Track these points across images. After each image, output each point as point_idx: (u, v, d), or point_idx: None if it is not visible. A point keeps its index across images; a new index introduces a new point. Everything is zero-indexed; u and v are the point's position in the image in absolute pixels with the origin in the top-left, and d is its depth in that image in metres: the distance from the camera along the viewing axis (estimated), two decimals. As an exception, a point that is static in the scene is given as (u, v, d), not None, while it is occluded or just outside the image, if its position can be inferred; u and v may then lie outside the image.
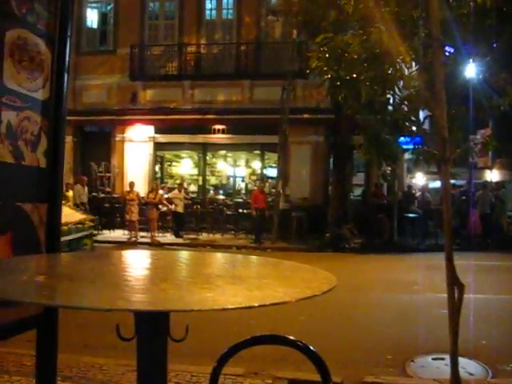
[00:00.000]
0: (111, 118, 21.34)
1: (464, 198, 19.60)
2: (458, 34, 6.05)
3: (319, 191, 20.26)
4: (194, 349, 4.90)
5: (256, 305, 1.56)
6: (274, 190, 19.23)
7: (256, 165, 22.47)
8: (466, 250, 14.99)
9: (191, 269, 2.47)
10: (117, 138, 21.87)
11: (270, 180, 21.29)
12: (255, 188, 19.56)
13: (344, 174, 18.08)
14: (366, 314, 8.29)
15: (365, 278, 11.82)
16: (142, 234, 18.20)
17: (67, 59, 3.47)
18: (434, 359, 5.72)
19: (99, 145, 22.16)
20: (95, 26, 23.19)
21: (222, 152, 22.86)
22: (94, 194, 20.27)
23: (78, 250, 10.57)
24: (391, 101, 7.22)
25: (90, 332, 6.33)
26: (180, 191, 18.81)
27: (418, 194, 21.22)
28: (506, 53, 6.35)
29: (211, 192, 21.87)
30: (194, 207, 20.11)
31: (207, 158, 22.35)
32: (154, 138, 21.67)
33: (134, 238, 17.76)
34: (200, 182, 22.32)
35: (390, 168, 15.34)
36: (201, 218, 19.97)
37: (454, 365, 4.15)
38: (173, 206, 18.55)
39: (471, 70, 7.14)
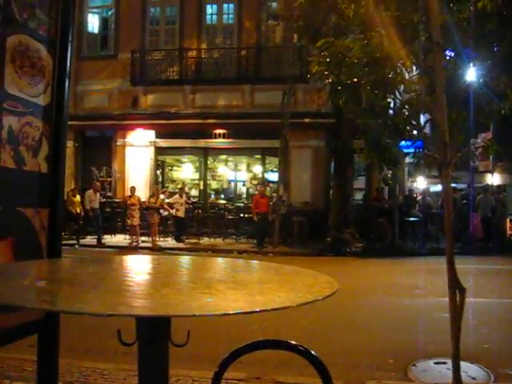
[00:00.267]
0: (112, 123, 21.38)
1: (465, 201, 19.58)
2: (459, 38, 6.06)
3: (320, 195, 20.26)
4: (196, 353, 4.90)
5: (257, 310, 1.56)
6: (274, 195, 19.22)
7: (257, 169, 22.49)
8: (467, 254, 14.99)
9: (192, 274, 2.47)
10: (118, 143, 21.89)
11: (271, 184, 21.27)
12: (256, 192, 19.56)
13: (345, 178, 18.07)
14: (368, 318, 8.27)
15: (366, 282, 11.81)
16: (143, 238, 18.18)
17: (68, 64, 3.48)
18: (435, 363, 5.70)
19: (100, 150, 22.19)
20: (96, 31, 23.25)
21: (223, 156, 22.89)
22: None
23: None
24: (392, 105, 7.22)
25: (91, 336, 6.32)
26: (181, 196, 18.81)
27: (419, 197, 21.22)
28: (506, 57, 6.35)
29: (212, 196, 21.89)
30: (195, 212, 20.12)
31: (208, 162, 22.36)
32: (155, 142, 21.70)
33: (135, 243, 17.75)
34: (201, 187, 22.33)
35: (390, 172, 15.34)
36: (202, 222, 19.97)
37: (456, 369, 4.14)
38: (174, 211, 18.56)
39: (472, 74, 7.14)
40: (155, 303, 1.77)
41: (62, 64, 3.45)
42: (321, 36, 15.16)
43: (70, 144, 19.24)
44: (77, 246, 17.15)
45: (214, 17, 22.18)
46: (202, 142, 21.41)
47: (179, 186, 20.78)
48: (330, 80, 7.12)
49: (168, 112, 20.95)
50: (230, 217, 19.79)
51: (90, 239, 18.52)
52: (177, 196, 18.92)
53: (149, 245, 17.71)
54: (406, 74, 6.94)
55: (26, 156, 3.13)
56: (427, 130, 8.76)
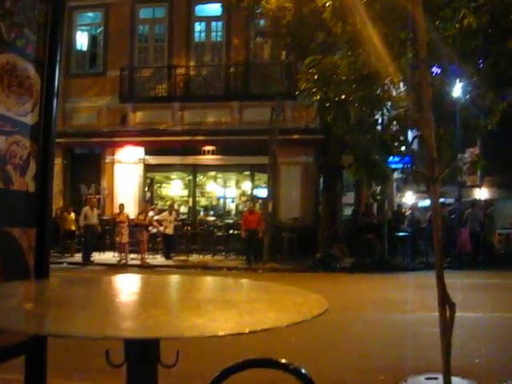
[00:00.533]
0: (101, 140, 21.36)
1: (453, 216, 19.68)
2: (445, 55, 6.13)
3: (309, 211, 20.26)
4: (185, 372, 4.84)
5: (247, 331, 1.55)
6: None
7: (246, 186, 22.49)
8: (456, 268, 15.04)
9: (181, 293, 2.45)
10: (107, 160, 21.84)
11: (260, 201, 21.27)
12: (245, 209, 19.55)
13: (334, 193, 18.11)
14: (358, 334, 8.25)
15: (356, 298, 11.79)
16: (132, 256, 18.07)
17: (56, 83, 3.47)
18: (426, 379, 5.69)
19: (89, 167, 22.14)
20: (85, 48, 23.29)
21: (212, 173, 22.88)
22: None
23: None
24: (380, 121, 7.27)
25: (80, 355, 6.24)
26: (170, 213, 18.77)
27: (408, 212, 21.29)
28: (491, 73, 6.42)
29: (201, 213, 21.84)
30: (185, 228, 20.05)
31: (197, 179, 22.36)
32: (144, 159, 21.67)
33: (124, 260, 17.64)
34: (190, 204, 22.29)
35: (379, 188, 15.42)
36: (191, 239, 19.90)
37: (447, 384, 4.14)
38: (163, 228, 18.50)
39: (459, 90, 7.22)
40: (144, 325, 1.75)
41: (50, 83, 3.44)
42: (309, 53, 15.32)
43: (58, 161, 19.16)
44: (65, 264, 17.02)
45: (203, 34, 22.31)
46: (190, 159, 21.42)
47: (168, 203, 20.75)
48: (318, 97, 7.16)
49: (157, 129, 20.97)
50: (219, 233, 19.75)
51: (80, 256, 18.43)
52: (166, 213, 18.87)
53: (138, 262, 17.61)
54: (394, 91, 7.00)
55: (13, 175, 3.11)
56: (415, 145, 8.82)
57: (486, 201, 21.97)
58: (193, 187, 22.27)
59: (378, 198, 17.81)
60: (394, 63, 5.85)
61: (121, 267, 17.12)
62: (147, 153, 21.57)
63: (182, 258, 18.76)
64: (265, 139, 18.15)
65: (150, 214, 18.83)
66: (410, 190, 23.51)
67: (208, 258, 18.84)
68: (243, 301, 2.18)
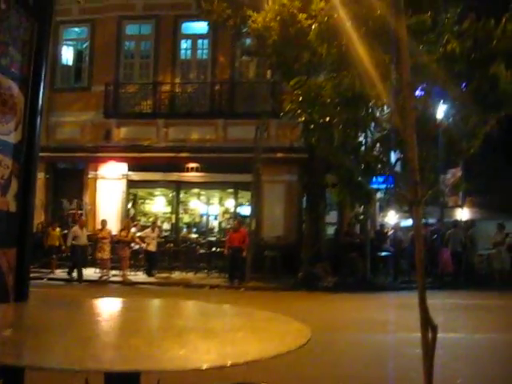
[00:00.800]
0: (84, 155, 21.24)
1: (435, 236, 19.80)
2: (429, 78, 6.19)
3: (293, 230, 20.26)
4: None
5: (229, 364, 1.53)
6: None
7: (229, 203, 22.45)
8: (437, 289, 15.10)
9: (163, 320, 2.42)
10: (90, 175, 21.69)
11: (243, 218, 21.22)
12: (229, 227, 19.53)
13: (317, 212, 18.14)
14: (340, 355, 8.22)
15: (338, 318, 11.76)
16: (113, 272, 17.92)
17: (40, 102, 3.46)
18: (408, 402, 5.67)
19: (72, 182, 21.97)
20: (70, 63, 23.21)
21: (196, 190, 22.81)
22: (65, 231, 19.96)
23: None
24: (364, 142, 7.31)
25: (59, 380, 6.13)
26: (153, 230, 18.66)
27: (391, 232, 21.38)
28: (475, 97, 6.50)
29: (184, 230, 21.73)
30: (167, 245, 19.94)
31: (180, 196, 22.27)
32: (127, 175, 21.57)
33: (105, 277, 17.48)
34: (173, 220, 22.18)
35: (362, 207, 15.46)
36: (174, 256, 19.78)
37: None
38: (145, 245, 18.38)
39: (442, 112, 7.28)
40: (124, 356, 1.71)
41: (34, 101, 3.42)
42: (294, 72, 15.45)
43: (40, 176, 19.01)
44: (45, 280, 16.81)
45: (189, 51, 22.39)
46: (174, 176, 21.36)
47: (151, 220, 20.62)
48: (303, 119, 7.19)
49: (141, 145, 20.89)
50: (201, 251, 19.67)
51: (61, 272, 18.23)
52: (149, 230, 18.76)
53: (119, 279, 17.46)
54: (378, 112, 7.05)
55: (-6, 195, 3.07)
56: (398, 167, 8.86)
57: (467, 221, 22.14)
58: (176, 204, 22.18)
59: (361, 218, 17.86)
60: (379, 86, 5.89)
61: (102, 284, 16.96)
62: (130, 169, 21.48)
63: (164, 275, 18.63)
64: (249, 157, 18.17)
65: (133, 230, 18.72)
66: (392, 210, 23.61)
67: (190, 275, 18.73)
68: (226, 329, 2.16)
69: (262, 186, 19.49)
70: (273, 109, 18.23)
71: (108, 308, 2.79)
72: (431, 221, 21.88)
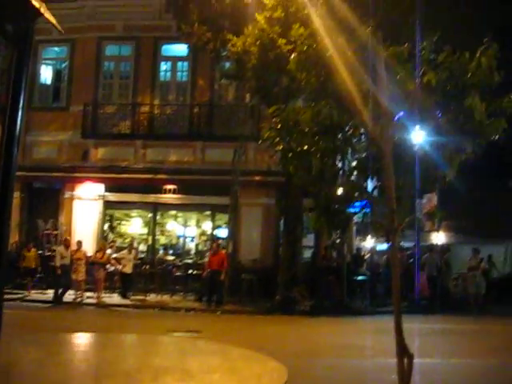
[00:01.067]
0: (61, 175, 21.07)
1: (411, 260, 19.91)
2: (407, 107, 6.29)
3: (269, 253, 20.24)
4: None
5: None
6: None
7: (206, 225, 22.37)
8: (413, 313, 15.14)
9: (139, 359, 2.39)
10: (66, 196, 21.48)
11: (220, 241, 21.14)
12: (206, 248, 19.46)
13: (294, 235, 18.14)
14: (317, 381, 8.15)
15: (315, 343, 11.71)
16: (88, 294, 17.67)
17: (18, 130, 3.44)
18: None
19: (47, 201, 21.75)
20: (49, 82, 23.09)
21: (173, 212, 22.68)
22: (39, 252, 19.69)
23: None
24: (341, 170, 7.37)
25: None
26: (130, 251, 18.53)
27: (367, 256, 21.47)
28: (451, 128, 6.62)
29: (161, 252, 21.57)
30: (143, 267, 19.77)
31: (157, 217, 22.13)
32: (104, 196, 21.41)
33: (79, 299, 17.23)
34: (149, 242, 22.02)
35: (339, 232, 15.53)
36: (149, 278, 19.60)
37: None
38: (121, 267, 18.21)
39: (419, 139, 7.39)
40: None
41: (11, 129, 3.40)
42: (273, 96, 15.59)
43: (16, 195, 18.76)
44: (18, 302, 16.52)
45: (168, 73, 22.44)
46: (151, 197, 21.26)
47: (127, 241, 20.46)
48: (281, 147, 7.23)
49: (118, 166, 20.82)
50: (178, 273, 19.53)
51: (35, 293, 17.97)
52: (125, 251, 18.61)
53: (94, 301, 17.24)
54: (355, 141, 7.13)
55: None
56: (375, 193, 8.94)
57: (443, 246, 22.31)
58: (153, 225, 22.04)
59: (338, 242, 17.95)
60: (357, 116, 5.98)
61: (76, 306, 16.73)
62: (107, 189, 21.34)
63: (140, 297, 18.43)
64: (226, 180, 18.20)
65: (108, 251, 18.54)
66: (369, 234, 23.73)
67: (166, 297, 18.55)
68: (202, 370, 2.14)
69: (240, 209, 19.49)
70: (251, 132, 18.34)
71: (83, 345, 2.76)
72: (407, 245, 22.02)
